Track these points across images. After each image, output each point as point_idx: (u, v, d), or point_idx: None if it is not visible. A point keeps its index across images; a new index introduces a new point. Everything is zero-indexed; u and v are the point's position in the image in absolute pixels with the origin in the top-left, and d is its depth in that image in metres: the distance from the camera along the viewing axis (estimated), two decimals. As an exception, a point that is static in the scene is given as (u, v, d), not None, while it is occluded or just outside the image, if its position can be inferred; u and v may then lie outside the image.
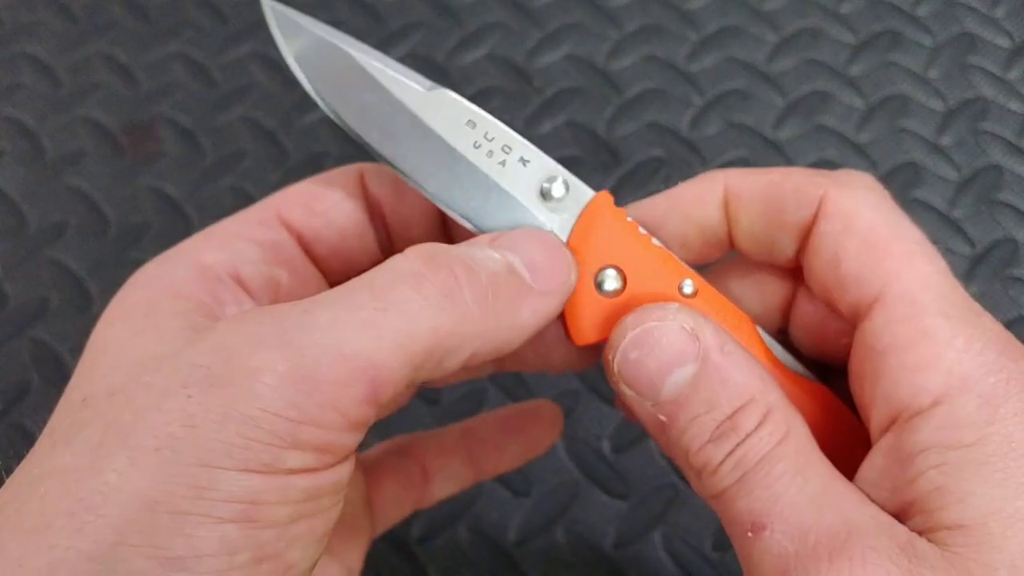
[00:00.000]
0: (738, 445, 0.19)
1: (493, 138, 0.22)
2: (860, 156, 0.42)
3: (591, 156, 0.41)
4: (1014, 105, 0.44)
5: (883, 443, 0.19)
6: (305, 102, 0.43)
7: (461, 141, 0.22)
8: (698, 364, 0.20)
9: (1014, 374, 0.18)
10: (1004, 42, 0.46)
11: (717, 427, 0.19)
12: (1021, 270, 0.40)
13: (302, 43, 0.24)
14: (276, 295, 0.23)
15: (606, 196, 0.22)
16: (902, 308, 0.20)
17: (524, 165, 0.22)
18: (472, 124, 0.22)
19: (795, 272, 0.23)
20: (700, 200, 0.23)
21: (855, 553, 0.17)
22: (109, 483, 0.17)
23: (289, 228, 0.23)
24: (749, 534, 0.19)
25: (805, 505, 0.18)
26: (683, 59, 0.45)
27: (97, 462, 0.17)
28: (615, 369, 0.20)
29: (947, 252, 0.40)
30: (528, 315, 0.20)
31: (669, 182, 0.41)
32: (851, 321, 0.21)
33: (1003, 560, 0.17)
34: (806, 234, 0.22)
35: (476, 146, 0.22)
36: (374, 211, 0.24)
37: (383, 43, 0.45)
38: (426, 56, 0.45)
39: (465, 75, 0.44)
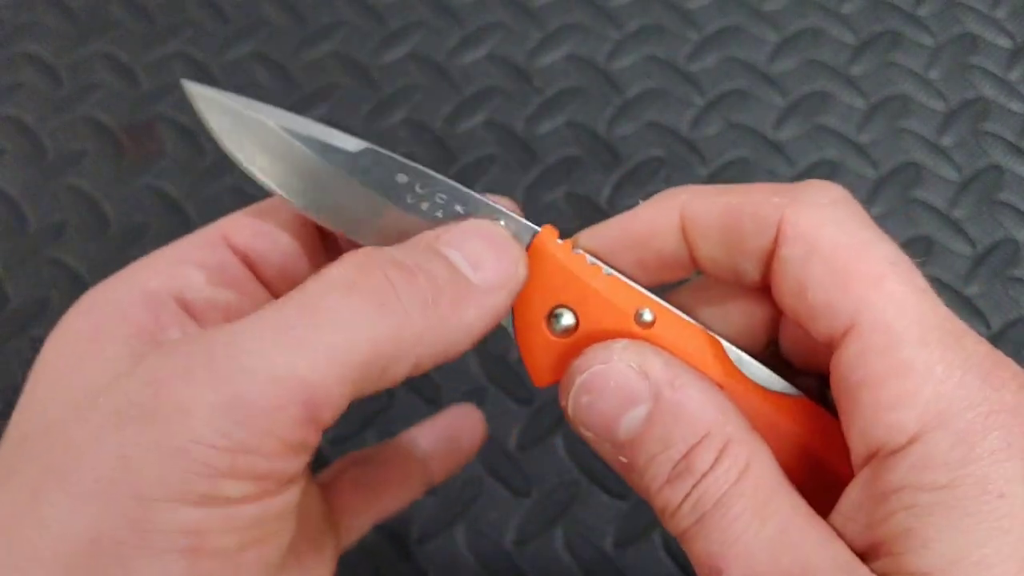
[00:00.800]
0: (695, 486, 0.18)
1: (427, 187, 0.22)
2: (860, 156, 0.42)
3: (591, 156, 0.41)
4: (1015, 105, 0.44)
5: (860, 477, 0.18)
6: (305, 102, 0.43)
7: (395, 196, 0.22)
8: (650, 403, 0.19)
9: (995, 406, 0.17)
10: (1005, 42, 0.46)
11: (673, 467, 0.19)
12: (1021, 270, 0.40)
13: (227, 120, 0.23)
14: (224, 318, 0.22)
15: (549, 231, 0.22)
16: (875, 338, 0.18)
17: (461, 211, 0.22)
18: (405, 177, 0.22)
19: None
20: (654, 227, 0.21)
21: None
22: (48, 525, 0.17)
23: (235, 250, 0.23)
24: None
25: (762, 548, 0.18)
26: (683, 59, 0.45)
27: (35, 504, 0.17)
28: (570, 414, 0.20)
29: (947, 252, 0.40)
30: (474, 315, 0.20)
31: (669, 182, 0.41)
32: (827, 348, 0.19)
33: None
34: (769, 259, 0.20)
35: (411, 199, 0.22)
36: (323, 229, 0.24)
37: (383, 43, 0.45)
38: (426, 56, 0.45)
39: (465, 75, 0.44)
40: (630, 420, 0.19)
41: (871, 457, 0.18)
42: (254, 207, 0.24)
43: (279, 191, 0.22)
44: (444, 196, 0.22)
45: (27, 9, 0.46)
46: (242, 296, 0.23)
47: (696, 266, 0.22)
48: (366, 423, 0.36)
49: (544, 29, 0.46)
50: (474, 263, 0.20)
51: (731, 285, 0.22)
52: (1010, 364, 0.18)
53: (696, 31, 0.46)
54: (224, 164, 0.42)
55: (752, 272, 0.21)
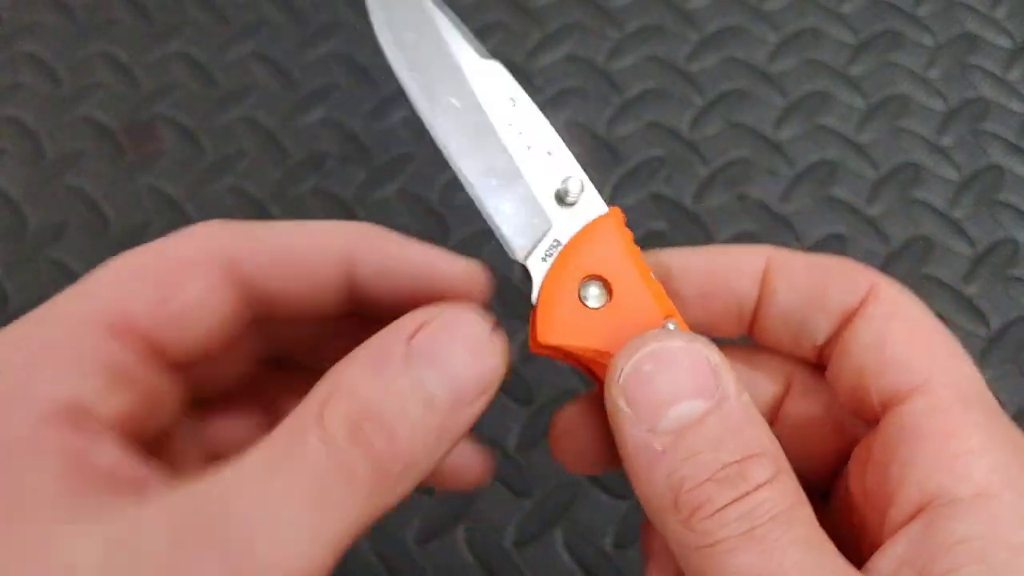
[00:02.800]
0: (747, 494, 0.17)
1: (527, 121, 0.22)
2: (860, 156, 0.42)
3: (591, 156, 0.41)
4: (1015, 105, 0.44)
5: (909, 530, 0.18)
6: (305, 102, 0.43)
7: (498, 114, 0.22)
8: (712, 403, 0.18)
9: None
10: (1005, 42, 0.46)
11: (722, 467, 0.18)
12: (1021, 270, 0.40)
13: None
14: (134, 426, 0.19)
15: (618, 213, 0.22)
16: (948, 395, 0.19)
17: (548, 156, 0.22)
18: (513, 102, 0.22)
19: (795, 368, 0.22)
20: (739, 263, 0.22)
21: None
22: None
23: (134, 331, 0.19)
24: None
25: None
26: (683, 59, 0.45)
27: None
28: (619, 379, 0.19)
29: (947, 252, 0.40)
30: (447, 442, 0.19)
31: (669, 182, 0.42)
32: (872, 412, 0.20)
33: None
34: (847, 319, 0.21)
35: (509, 124, 0.22)
36: (250, 297, 0.21)
37: (383, 43, 0.45)
38: (426, 56, 0.45)
39: (465, 75, 0.44)
40: (683, 410, 0.18)
41: (920, 510, 0.18)
42: (155, 256, 0.20)
43: (399, 71, 0.23)
44: (539, 135, 0.22)
45: (27, 9, 0.46)
46: (147, 399, 0.19)
47: (753, 324, 0.22)
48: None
49: (544, 29, 0.46)
50: (453, 383, 0.19)
51: (746, 360, 0.22)
52: None
53: (696, 31, 0.46)
54: (224, 164, 0.42)
55: (821, 329, 0.21)
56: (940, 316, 0.38)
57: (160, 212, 0.40)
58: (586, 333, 0.21)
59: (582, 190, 0.22)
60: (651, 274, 0.22)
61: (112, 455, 0.18)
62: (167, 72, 0.44)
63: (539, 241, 0.22)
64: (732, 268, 0.22)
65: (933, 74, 0.45)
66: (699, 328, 0.22)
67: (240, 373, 0.23)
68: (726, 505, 0.17)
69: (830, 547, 0.18)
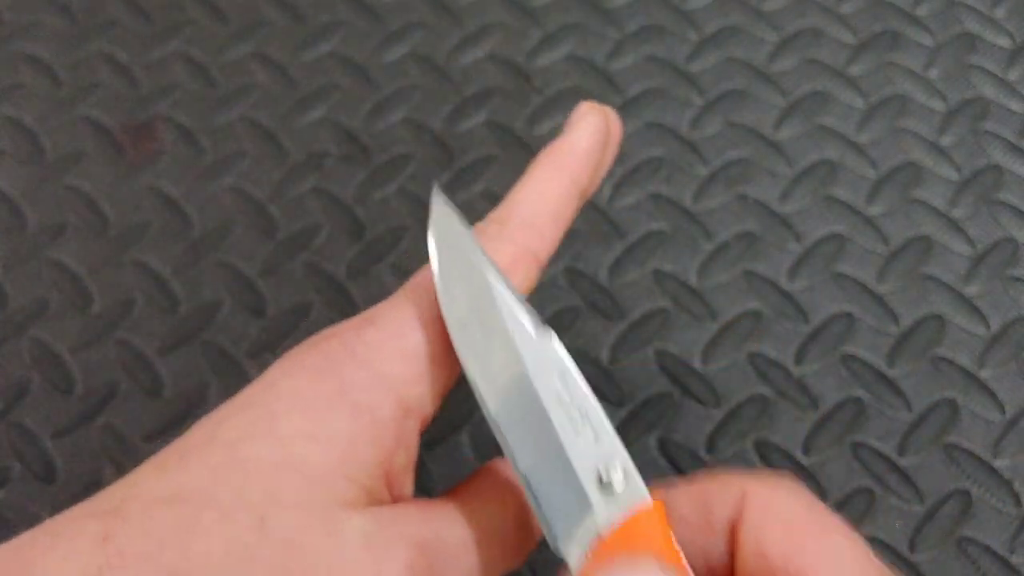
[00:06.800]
0: None
1: (576, 401, 0.22)
2: (860, 156, 0.42)
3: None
4: (1015, 105, 0.44)
5: None
6: (305, 102, 0.43)
7: (548, 390, 0.22)
8: None
9: None
10: (1005, 42, 0.46)
11: None
12: (1021, 270, 0.40)
13: (449, 252, 0.23)
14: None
15: (661, 508, 0.21)
16: None
17: (595, 439, 0.21)
18: (563, 378, 0.22)
19: None
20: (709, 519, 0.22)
21: None
22: None
23: (414, 411, 0.23)
24: None
25: None
26: (683, 59, 0.45)
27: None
28: None
29: (947, 252, 0.40)
30: None
31: (669, 182, 0.42)
32: None
33: None
34: (734, 534, 0.21)
35: (559, 402, 0.22)
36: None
37: (383, 43, 0.45)
38: (426, 56, 0.45)
39: (465, 75, 0.44)
40: None
41: None
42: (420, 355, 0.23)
43: (454, 336, 0.22)
44: (586, 416, 0.22)
45: (27, 9, 0.46)
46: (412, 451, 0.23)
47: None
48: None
49: (544, 29, 0.46)
50: None
51: None
52: None
53: (696, 31, 0.46)
54: (224, 164, 0.42)
55: (721, 549, 0.21)
56: (940, 316, 0.38)
57: (160, 212, 0.40)
58: None
59: (625, 479, 0.21)
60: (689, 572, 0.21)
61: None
62: (167, 72, 0.44)
63: (578, 526, 0.21)
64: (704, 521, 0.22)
65: (933, 74, 0.45)
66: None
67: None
68: None
69: None
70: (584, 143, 0.26)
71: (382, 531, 0.21)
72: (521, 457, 0.22)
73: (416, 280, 0.24)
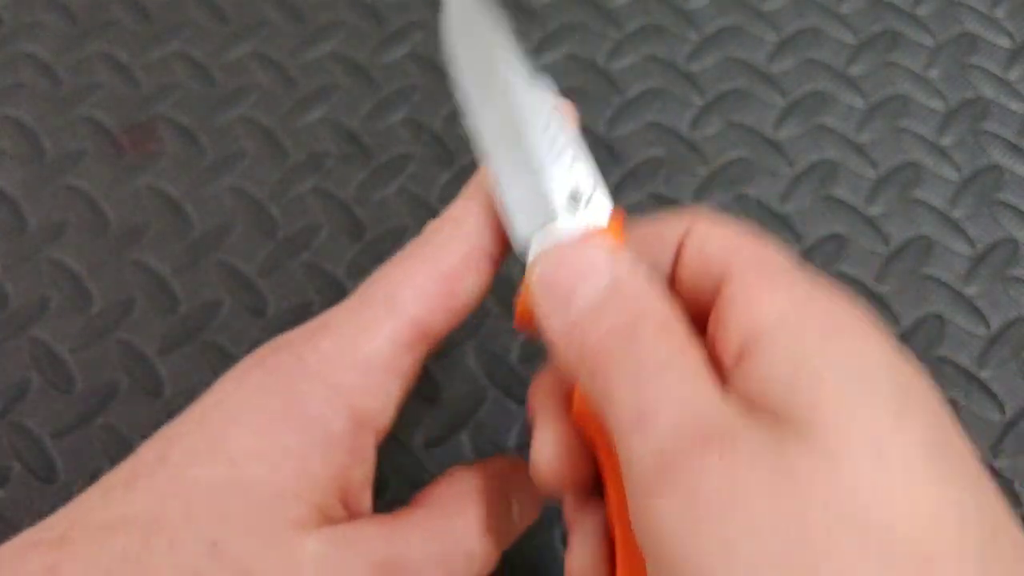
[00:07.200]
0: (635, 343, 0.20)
1: (560, 136, 0.24)
2: (860, 156, 0.42)
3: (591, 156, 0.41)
4: (1015, 105, 0.44)
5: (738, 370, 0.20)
6: (305, 102, 0.43)
7: (535, 121, 0.25)
8: (608, 280, 0.21)
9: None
10: (1004, 42, 0.46)
11: (616, 326, 0.20)
12: (1021, 270, 0.40)
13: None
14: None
15: (618, 216, 0.24)
16: (753, 271, 0.21)
17: (571, 164, 0.24)
18: (551, 116, 0.25)
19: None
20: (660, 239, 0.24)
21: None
22: None
23: (367, 424, 0.23)
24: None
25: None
26: (683, 59, 0.45)
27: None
28: (534, 280, 0.22)
29: (947, 252, 0.40)
30: None
31: (669, 182, 0.42)
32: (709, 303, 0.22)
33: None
34: (679, 250, 0.24)
35: (545, 131, 0.24)
36: (429, 346, 0.24)
37: (383, 43, 0.45)
38: (426, 56, 0.45)
39: (465, 75, 0.44)
40: (589, 289, 0.21)
41: (742, 351, 0.20)
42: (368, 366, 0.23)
43: (457, 68, 0.26)
44: (570, 144, 0.25)
45: (27, 9, 0.46)
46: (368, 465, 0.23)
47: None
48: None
49: (544, 29, 0.46)
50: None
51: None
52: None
53: (696, 31, 0.46)
54: (224, 164, 0.42)
55: (668, 260, 0.24)
56: (940, 316, 0.38)
57: (160, 212, 0.40)
58: None
59: (592, 198, 0.24)
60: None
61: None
62: (167, 72, 0.44)
63: (539, 229, 0.23)
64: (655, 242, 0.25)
65: (933, 74, 0.45)
66: None
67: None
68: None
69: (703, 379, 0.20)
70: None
71: (338, 553, 0.20)
72: (500, 166, 0.24)
73: (370, 282, 0.24)
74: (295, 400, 0.21)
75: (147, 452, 0.21)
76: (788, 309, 0.20)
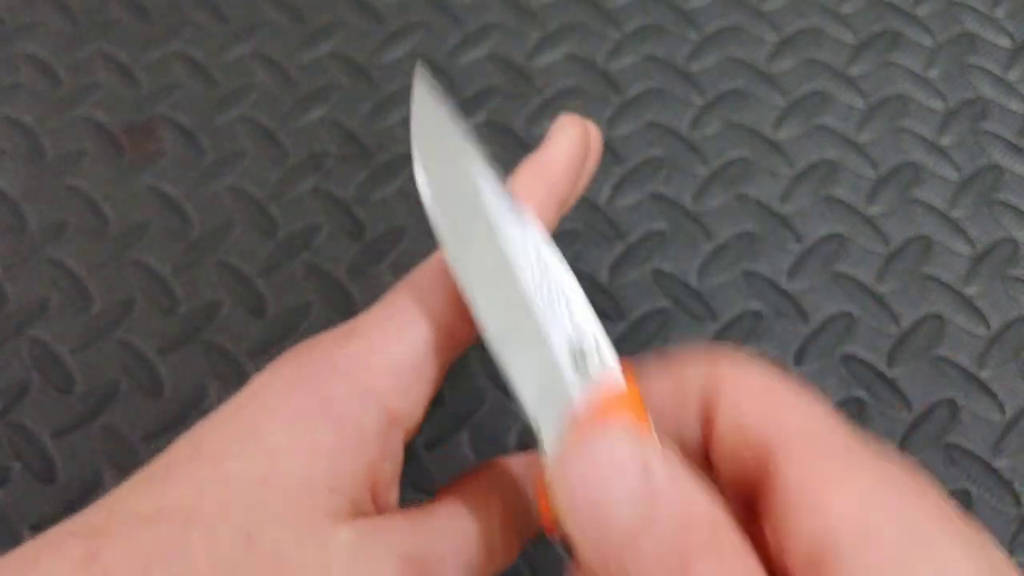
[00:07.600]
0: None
1: (554, 284, 0.22)
2: (860, 156, 0.42)
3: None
4: (1014, 105, 0.44)
5: None
6: (305, 102, 0.43)
7: (526, 271, 0.22)
8: (646, 504, 0.18)
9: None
10: (1004, 42, 0.46)
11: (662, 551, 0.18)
12: (1021, 270, 0.40)
13: (430, 128, 0.24)
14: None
15: (635, 387, 0.21)
16: (803, 445, 0.19)
17: (570, 319, 0.22)
18: (540, 261, 0.22)
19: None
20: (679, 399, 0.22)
21: None
22: None
23: (399, 419, 0.23)
24: None
25: None
26: (683, 59, 0.45)
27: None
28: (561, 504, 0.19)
29: (947, 252, 0.40)
30: None
31: (669, 182, 0.42)
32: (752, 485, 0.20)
33: None
34: (710, 409, 0.21)
35: (537, 283, 0.22)
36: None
37: (383, 43, 0.45)
38: (426, 56, 0.45)
39: (465, 75, 0.44)
40: (625, 518, 0.18)
41: (810, 559, 0.18)
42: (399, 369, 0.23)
43: (434, 217, 0.23)
44: (564, 296, 0.22)
45: (27, 9, 0.46)
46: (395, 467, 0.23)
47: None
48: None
49: (544, 29, 0.46)
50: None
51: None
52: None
53: (696, 31, 0.46)
54: (224, 164, 0.42)
55: (696, 428, 0.22)
56: (940, 316, 0.38)
57: (160, 212, 0.40)
58: None
59: (600, 356, 0.22)
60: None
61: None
62: (167, 72, 0.44)
63: (551, 404, 0.21)
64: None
65: (933, 74, 0.45)
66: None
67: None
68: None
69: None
70: (563, 156, 0.26)
71: (369, 543, 0.21)
72: (497, 335, 0.22)
73: (398, 289, 0.24)
74: (328, 397, 0.22)
75: (182, 447, 0.22)
76: (861, 510, 0.18)
